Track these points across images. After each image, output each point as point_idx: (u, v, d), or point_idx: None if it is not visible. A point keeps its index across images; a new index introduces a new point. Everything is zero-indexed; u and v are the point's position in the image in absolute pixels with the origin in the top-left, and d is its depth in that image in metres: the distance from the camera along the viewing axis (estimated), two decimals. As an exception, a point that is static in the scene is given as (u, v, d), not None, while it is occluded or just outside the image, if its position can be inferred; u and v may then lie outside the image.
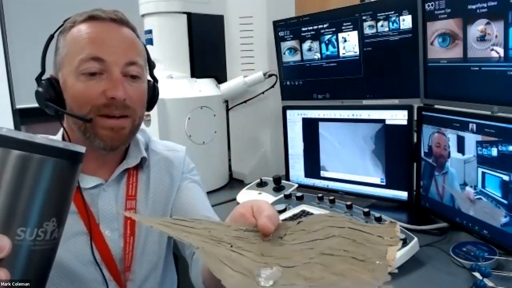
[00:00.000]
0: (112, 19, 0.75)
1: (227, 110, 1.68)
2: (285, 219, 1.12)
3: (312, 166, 1.42)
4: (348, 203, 1.12)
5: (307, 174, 1.44)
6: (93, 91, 0.72)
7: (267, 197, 1.35)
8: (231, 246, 0.45)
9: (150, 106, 0.86)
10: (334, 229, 0.48)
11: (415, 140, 1.19)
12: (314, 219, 0.51)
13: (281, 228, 0.51)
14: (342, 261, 0.42)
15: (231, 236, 0.48)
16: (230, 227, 0.50)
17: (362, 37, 1.28)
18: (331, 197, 1.18)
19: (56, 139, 0.78)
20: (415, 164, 1.19)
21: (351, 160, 1.31)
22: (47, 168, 0.40)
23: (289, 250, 0.46)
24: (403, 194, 1.22)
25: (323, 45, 1.38)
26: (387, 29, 1.22)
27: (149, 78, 0.86)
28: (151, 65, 0.87)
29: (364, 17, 1.26)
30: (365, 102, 1.32)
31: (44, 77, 0.78)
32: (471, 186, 0.98)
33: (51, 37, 0.78)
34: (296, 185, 1.41)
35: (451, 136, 1.04)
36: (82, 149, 0.44)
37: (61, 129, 0.80)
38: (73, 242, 0.75)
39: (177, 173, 0.90)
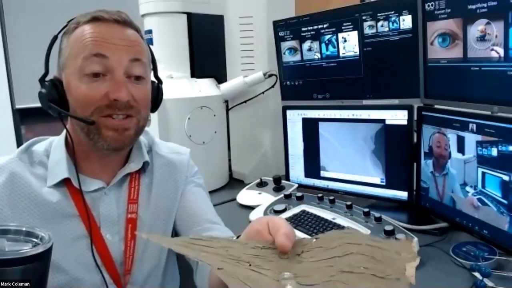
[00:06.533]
0: (116, 20, 0.74)
1: (227, 110, 1.68)
2: (285, 219, 1.12)
3: (312, 166, 1.42)
4: (348, 203, 1.12)
5: (307, 174, 1.44)
6: (96, 93, 0.71)
7: (267, 197, 1.35)
8: (250, 265, 0.46)
9: (154, 107, 0.86)
10: (352, 246, 0.48)
11: (415, 140, 1.19)
12: (331, 236, 0.52)
13: (298, 245, 0.51)
14: (363, 279, 0.43)
15: (249, 255, 0.48)
16: (247, 244, 0.51)
17: (362, 37, 1.28)
18: (331, 197, 1.18)
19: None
20: (415, 164, 1.19)
21: (351, 160, 1.31)
22: (20, 273, 0.43)
23: (308, 268, 0.47)
24: (403, 194, 1.22)
25: (323, 45, 1.38)
26: (387, 29, 1.22)
27: (153, 79, 0.85)
28: (156, 66, 0.86)
29: (364, 17, 1.26)
30: (365, 102, 1.32)
31: (47, 78, 0.77)
32: (471, 186, 0.98)
33: (55, 38, 0.78)
34: (296, 185, 1.42)
35: (451, 136, 1.04)
36: (49, 242, 0.46)
37: (64, 130, 0.80)
38: (74, 245, 0.75)
39: (181, 177, 0.90)
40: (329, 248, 0.49)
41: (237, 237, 0.63)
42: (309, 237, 1.00)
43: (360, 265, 0.44)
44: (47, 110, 0.76)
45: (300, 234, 1.04)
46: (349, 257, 0.46)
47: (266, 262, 0.47)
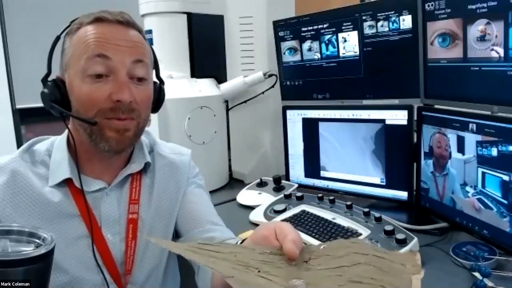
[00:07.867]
0: (119, 21, 0.74)
1: (227, 110, 1.68)
2: (285, 219, 1.13)
3: (312, 166, 1.42)
4: (348, 203, 1.12)
5: (307, 174, 1.44)
6: (99, 94, 0.71)
7: (267, 197, 1.35)
8: (259, 271, 0.46)
9: (156, 108, 0.85)
10: (360, 256, 0.49)
11: (415, 140, 1.19)
12: (338, 244, 0.53)
13: (305, 252, 0.52)
14: None
15: (257, 261, 0.49)
16: (254, 250, 0.51)
17: (362, 37, 1.28)
18: (331, 197, 1.18)
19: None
20: (415, 164, 1.19)
21: (351, 160, 1.31)
22: (22, 274, 0.43)
23: (317, 276, 0.47)
24: (403, 194, 1.22)
25: (323, 45, 1.38)
26: (387, 29, 1.22)
27: (155, 79, 0.85)
28: (158, 67, 0.86)
29: (364, 17, 1.26)
30: (365, 102, 1.32)
31: (50, 78, 0.77)
32: (471, 186, 0.98)
33: (58, 38, 0.77)
34: (296, 185, 1.42)
35: (451, 136, 1.04)
36: (51, 244, 0.46)
37: (66, 130, 0.80)
38: (75, 245, 0.75)
39: (183, 178, 0.90)
40: (337, 257, 0.49)
41: (242, 241, 0.63)
42: (314, 240, 1.01)
43: (369, 276, 0.45)
44: (49, 110, 0.75)
45: (300, 234, 1.04)
46: (357, 267, 0.47)
47: (275, 269, 0.48)
